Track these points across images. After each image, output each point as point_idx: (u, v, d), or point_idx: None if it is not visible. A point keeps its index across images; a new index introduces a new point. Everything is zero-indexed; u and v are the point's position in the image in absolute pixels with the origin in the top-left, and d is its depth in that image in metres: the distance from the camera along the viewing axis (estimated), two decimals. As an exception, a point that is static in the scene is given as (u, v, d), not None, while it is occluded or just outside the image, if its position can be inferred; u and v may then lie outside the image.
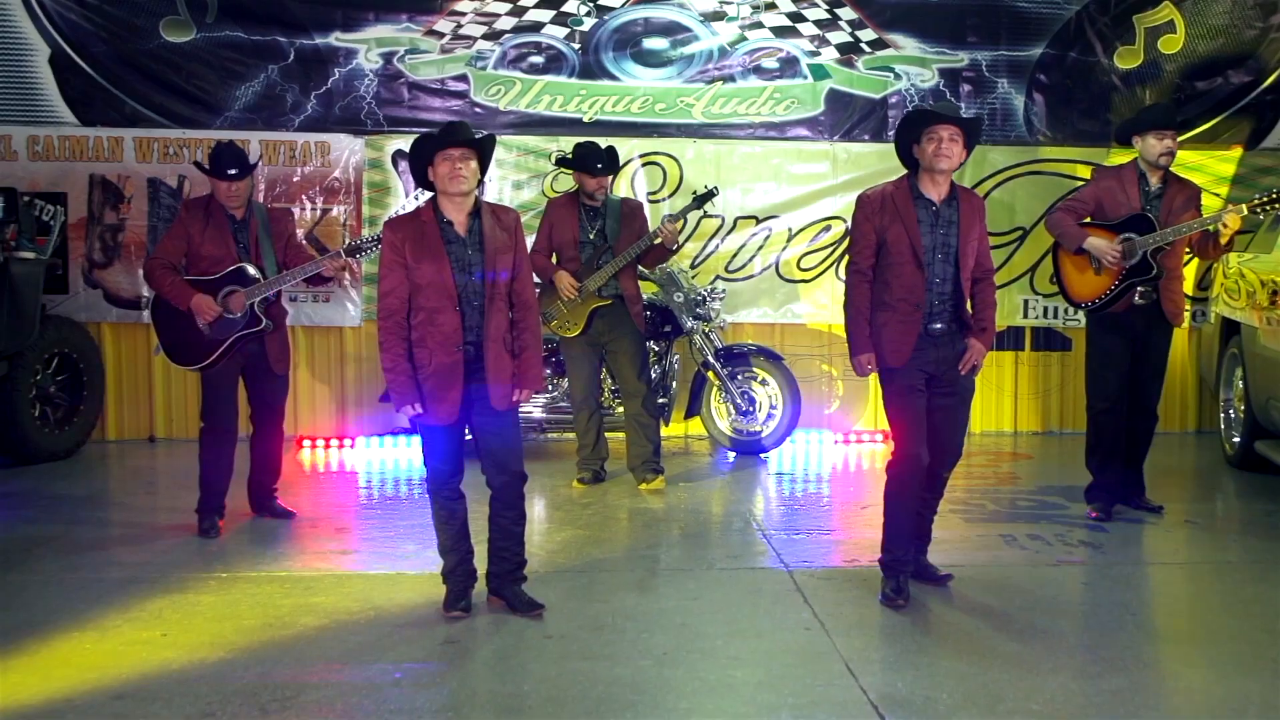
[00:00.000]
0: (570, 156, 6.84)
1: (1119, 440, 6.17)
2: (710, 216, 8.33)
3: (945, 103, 4.86)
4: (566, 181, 8.20)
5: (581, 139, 7.54)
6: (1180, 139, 8.46)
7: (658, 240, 6.65)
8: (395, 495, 6.94)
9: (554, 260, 6.78)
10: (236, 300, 5.73)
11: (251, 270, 5.80)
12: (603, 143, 6.89)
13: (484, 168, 4.55)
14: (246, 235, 5.86)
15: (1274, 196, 5.86)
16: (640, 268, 7.00)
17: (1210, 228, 5.84)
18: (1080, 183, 8.00)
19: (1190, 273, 8.53)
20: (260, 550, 5.60)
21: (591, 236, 6.75)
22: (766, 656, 4.22)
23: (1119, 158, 7.39)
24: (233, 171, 5.76)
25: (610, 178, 6.86)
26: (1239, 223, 5.80)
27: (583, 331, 6.75)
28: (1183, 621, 4.80)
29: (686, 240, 8.25)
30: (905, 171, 4.81)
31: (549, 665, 4.11)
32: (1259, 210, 5.90)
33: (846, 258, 4.97)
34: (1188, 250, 6.17)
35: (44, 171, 8.13)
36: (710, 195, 7.02)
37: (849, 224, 8.16)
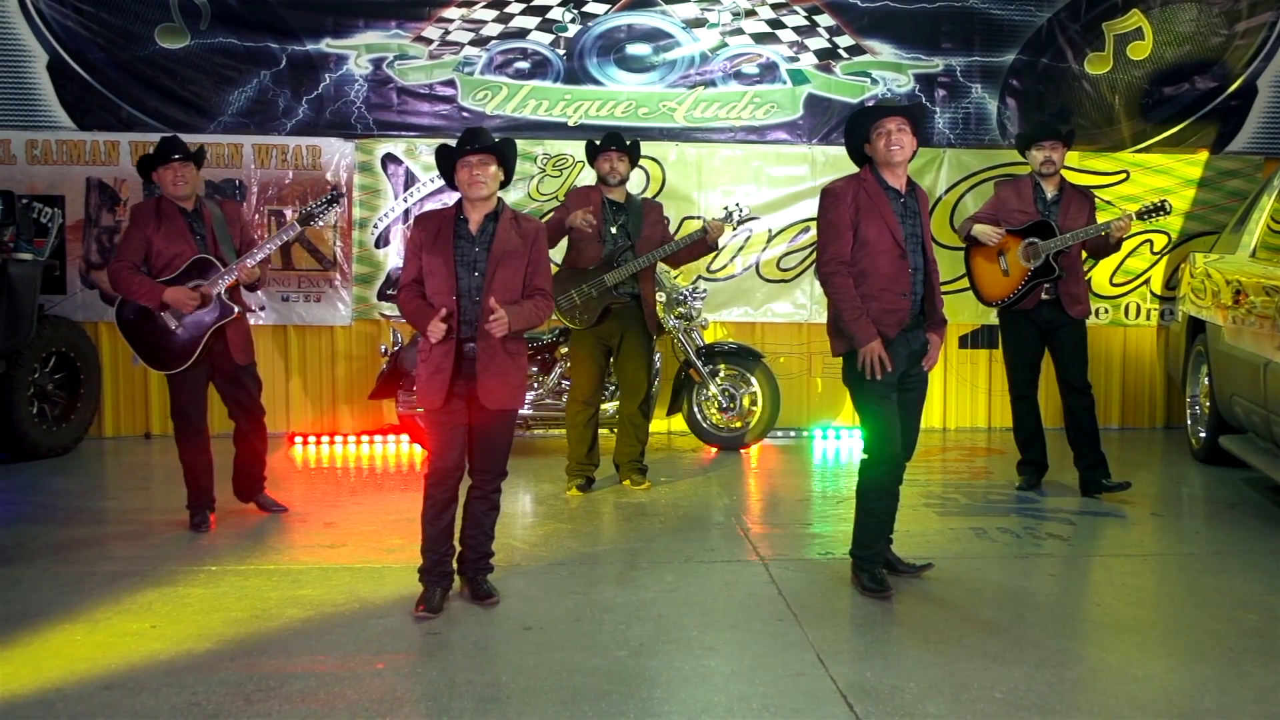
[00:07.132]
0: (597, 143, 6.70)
1: (1037, 420, 6.68)
2: (692, 218, 8.38)
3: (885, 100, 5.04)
4: (551, 185, 8.37)
5: (566, 141, 7.58)
6: (1148, 143, 8.76)
7: (705, 235, 6.60)
8: (383, 490, 6.92)
9: (576, 255, 6.62)
10: (204, 294, 5.70)
11: (211, 261, 5.72)
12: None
13: (509, 171, 4.64)
14: (202, 227, 5.76)
15: (1159, 205, 6.37)
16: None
17: (1104, 233, 6.26)
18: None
19: (1158, 274, 8.69)
20: (249, 544, 5.63)
21: (614, 230, 6.59)
22: (740, 647, 4.27)
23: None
24: (177, 156, 5.65)
25: (626, 163, 6.62)
26: (1130, 227, 6.28)
27: (595, 324, 6.60)
28: (1145, 612, 4.83)
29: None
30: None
31: (527, 656, 4.15)
32: (1146, 216, 6.38)
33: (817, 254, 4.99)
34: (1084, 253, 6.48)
35: (42, 175, 8.17)
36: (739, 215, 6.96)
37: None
